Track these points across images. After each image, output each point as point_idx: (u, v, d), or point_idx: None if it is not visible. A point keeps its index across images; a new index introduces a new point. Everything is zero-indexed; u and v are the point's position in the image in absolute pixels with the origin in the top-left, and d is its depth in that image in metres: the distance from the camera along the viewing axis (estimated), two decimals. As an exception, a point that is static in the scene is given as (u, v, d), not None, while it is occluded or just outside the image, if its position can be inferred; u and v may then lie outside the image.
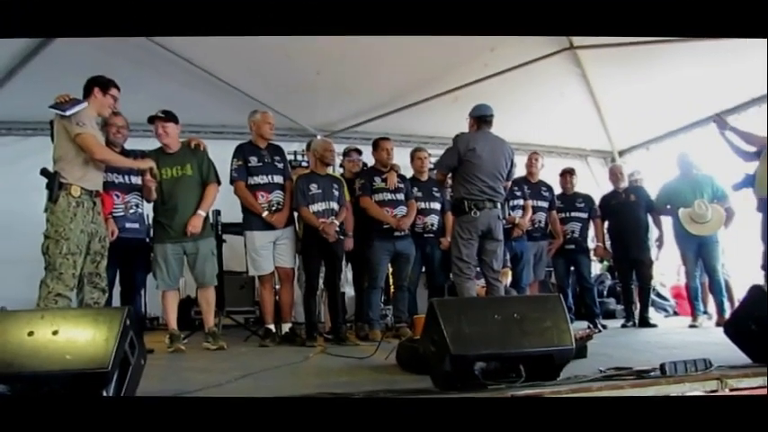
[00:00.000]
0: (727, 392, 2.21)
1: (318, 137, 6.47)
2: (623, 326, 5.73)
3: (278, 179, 4.59)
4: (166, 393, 2.24)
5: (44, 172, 3.40)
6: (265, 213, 4.46)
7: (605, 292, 7.38)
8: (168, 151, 4.24)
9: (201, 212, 4.18)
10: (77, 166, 3.41)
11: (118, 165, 3.90)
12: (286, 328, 4.64)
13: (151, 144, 5.64)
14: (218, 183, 4.36)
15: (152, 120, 4.23)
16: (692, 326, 5.40)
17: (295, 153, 6.44)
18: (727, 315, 4.94)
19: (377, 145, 5.20)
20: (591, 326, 5.15)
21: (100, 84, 3.55)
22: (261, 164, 4.54)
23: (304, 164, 5.99)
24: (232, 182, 4.53)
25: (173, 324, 4.25)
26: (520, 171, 5.70)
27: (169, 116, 4.22)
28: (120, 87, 3.65)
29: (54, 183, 3.33)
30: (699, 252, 5.52)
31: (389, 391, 2.20)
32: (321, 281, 4.89)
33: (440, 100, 6.54)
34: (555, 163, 7.17)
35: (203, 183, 4.25)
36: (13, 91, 5.48)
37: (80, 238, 3.36)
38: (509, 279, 5.59)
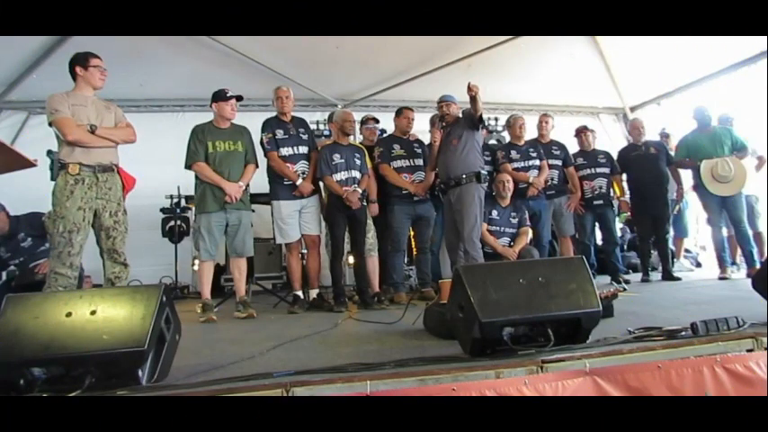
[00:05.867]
0: (763, 352, 2.17)
1: (339, 107, 6.70)
2: (643, 280, 5.72)
3: (303, 150, 4.69)
4: (201, 368, 2.29)
5: (49, 153, 3.45)
6: (300, 181, 4.57)
7: (625, 246, 7.38)
8: (222, 126, 4.38)
9: (242, 183, 4.33)
10: (69, 146, 3.46)
11: (92, 144, 3.55)
12: (314, 293, 4.74)
13: (181, 118, 6.17)
14: (257, 166, 4.52)
15: (223, 97, 4.33)
16: (722, 278, 5.36)
17: (317, 123, 6.63)
18: (758, 266, 4.89)
19: (400, 112, 5.29)
20: (615, 283, 5.17)
21: (78, 61, 3.57)
22: (287, 136, 4.65)
23: (326, 133, 6.24)
24: (266, 153, 4.64)
25: (206, 294, 4.37)
26: (531, 133, 5.76)
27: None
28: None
29: (54, 163, 3.39)
30: (722, 203, 5.43)
31: (420, 359, 2.22)
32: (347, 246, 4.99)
33: (455, 67, 6.63)
34: (569, 121, 7.51)
35: (246, 162, 4.41)
36: (49, 72, 5.59)
37: (77, 215, 3.41)
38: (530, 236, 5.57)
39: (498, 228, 5.18)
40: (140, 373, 2.00)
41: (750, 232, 5.48)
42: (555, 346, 2.18)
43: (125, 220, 3.68)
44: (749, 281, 3.03)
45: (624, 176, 6.07)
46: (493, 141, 6.69)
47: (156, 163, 5.84)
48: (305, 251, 4.98)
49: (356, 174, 4.72)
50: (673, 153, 5.97)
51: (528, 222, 5.29)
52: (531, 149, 5.61)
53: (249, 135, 4.52)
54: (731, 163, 5.30)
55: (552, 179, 5.74)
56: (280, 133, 4.62)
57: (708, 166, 5.36)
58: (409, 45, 6.11)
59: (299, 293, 4.71)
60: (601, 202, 5.85)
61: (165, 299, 2.15)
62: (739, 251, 5.76)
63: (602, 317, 2.35)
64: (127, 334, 2.00)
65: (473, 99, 4.31)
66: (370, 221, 4.97)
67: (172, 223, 6.62)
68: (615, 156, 6.12)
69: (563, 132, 6.29)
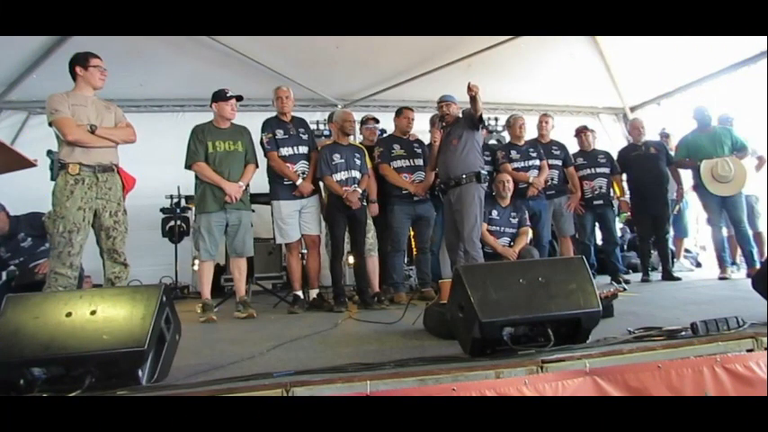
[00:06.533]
0: (763, 352, 2.17)
1: (339, 107, 6.71)
2: (643, 280, 5.72)
3: (303, 150, 4.69)
4: (201, 368, 2.29)
5: (49, 153, 3.45)
6: (300, 181, 4.57)
7: (625, 246, 7.39)
8: (222, 126, 4.38)
9: (242, 183, 4.33)
10: (69, 146, 3.46)
11: (92, 144, 3.53)
12: (314, 293, 4.74)
13: (181, 118, 6.28)
14: (257, 166, 4.51)
15: (223, 97, 4.32)
16: (722, 278, 5.36)
17: (317, 123, 6.65)
18: (758, 266, 4.89)
19: (400, 112, 5.30)
20: (615, 283, 5.17)
21: (78, 61, 3.57)
22: (287, 136, 4.65)
23: (326, 133, 6.25)
24: (266, 153, 4.64)
25: (206, 294, 4.37)
26: (531, 133, 5.75)
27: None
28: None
29: (54, 163, 3.39)
30: (722, 203, 5.43)
31: (420, 359, 2.21)
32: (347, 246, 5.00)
33: (455, 67, 6.64)
34: (569, 121, 7.54)
35: (246, 162, 4.42)
36: (49, 72, 5.59)
37: (77, 215, 3.42)
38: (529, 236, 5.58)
39: (498, 228, 5.18)
40: (140, 373, 1.99)
41: (750, 232, 5.47)
42: (555, 346, 2.18)
43: (125, 220, 3.67)
44: (749, 281, 3.03)
45: (624, 176, 6.07)
46: (493, 141, 6.70)
47: (156, 163, 5.85)
48: (305, 251, 4.98)
49: (356, 174, 4.73)
50: (673, 153, 5.97)
51: (528, 222, 5.29)
52: (531, 149, 5.61)
53: (249, 135, 4.52)
54: (731, 163, 5.31)
55: (552, 179, 5.74)
56: (280, 133, 4.62)
57: (708, 166, 5.37)
58: (409, 45, 6.11)
59: (299, 293, 4.70)
60: (601, 202, 5.85)
61: (165, 299, 2.14)
62: (739, 251, 5.76)
63: (602, 317, 2.35)
64: (127, 334, 1.99)
65: (473, 99, 4.31)
66: (370, 221, 4.98)
67: (172, 223, 6.62)
68: (615, 156, 6.12)
69: (563, 132, 6.30)
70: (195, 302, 4.65)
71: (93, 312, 2.03)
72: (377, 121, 5.75)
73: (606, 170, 5.91)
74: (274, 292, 5.64)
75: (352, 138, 5.05)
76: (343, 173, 4.66)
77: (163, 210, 6.63)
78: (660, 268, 5.91)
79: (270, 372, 2.07)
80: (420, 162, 5.15)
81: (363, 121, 5.74)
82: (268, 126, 4.66)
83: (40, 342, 1.96)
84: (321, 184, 4.81)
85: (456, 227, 4.58)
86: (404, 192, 5.02)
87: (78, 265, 3.51)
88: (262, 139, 4.63)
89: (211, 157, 4.30)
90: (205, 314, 4.17)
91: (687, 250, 7.25)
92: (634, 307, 3.58)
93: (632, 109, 8.34)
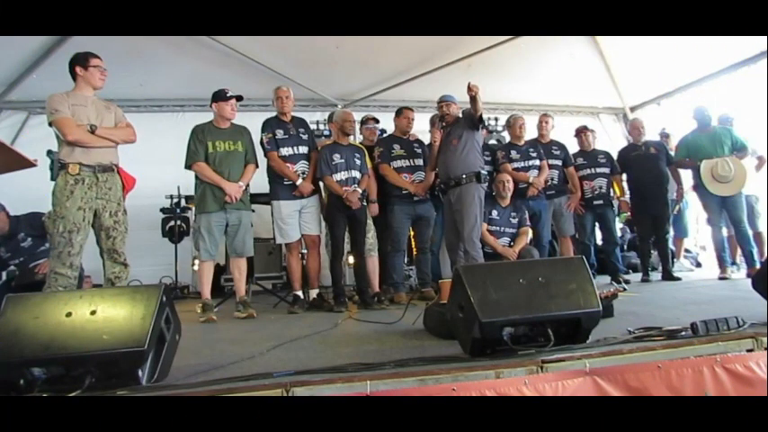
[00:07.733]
0: (763, 352, 2.17)
1: (339, 107, 6.72)
2: (643, 280, 5.72)
3: (303, 150, 4.69)
4: (201, 368, 2.29)
5: (49, 153, 3.45)
6: (300, 181, 4.57)
7: (625, 246, 7.39)
8: (222, 126, 4.39)
9: (242, 183, 4.33)
10: (69, 146, 3.46)
11: (92, 144, 3.53)
12: (314, 293, 4.74)
13: (181, 118, 6.27)
14: (257, 166, 4.51)
15: (223, 97, 4.32)
16: (722, 278, 5.36)
17: (317, 123, 6.66)
18: (758, 266, 4.89)
19: (400, 112, 5.30)
20: (615, 283, 5.17)
21: (78, 61, 3.57)
22: (287, 136, 4.65)
23: (326, 133, 6.26)
24: (266, 153, 4.64)
25: (206, 294, 4.37)
26: (531, 133, 5.75)
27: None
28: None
29: (54, 163, 3.39)
30: (722, 203, 5.43)
31: (420, 359, 2.21)
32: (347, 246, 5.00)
33: (455, 67, 6.65)
34: (569, 121, 7.55)
35: (246, 162, 4.42)
36: (49, 72, 5.58)
37: (77, 215, 3.42)
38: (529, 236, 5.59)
39: (498, 228, 5.18)
40: (140, 373, 1.99)
41: (750, 232, 5.47)
42: (555, 346, 2.18)
43: (125, 220, 3.67)
44: (749, 281, 3.03)
45: (624, 176, 6.08)
46: (493, 141, 6.70)
47: (156, 163, 5.86)
48: (305, 251, 4.98)
49: (356, 174, 4.73)
50: (673, 153, 5.97)
51: (528, 222, 5.29)
52: (531, 149, 5.61)
53: (249, 135, 4.52)
54: (731, 163, 5.31)
55: (552, 179, 5.74)
56: (280, 133, 4.63)
57: (708, 166, 5.37)
58: (409, 45, 6.12)
59: (299, 293, 4.70)
60: (601, 202, 5.85)
61: (165, 299, 2.14)
62: (739, 251, 5.76)
63: (602, 317, 2.35)
64: (127, 334, 1.99)
65: (473, 99, 4.31)
66: (370, 221, 4.98)
67: (172, 223, 6.63)
68: (615, 156, 6.12)
69: (563, 132, 6.30)
70: (195, 302, 4.65)
71: (93, 312, 2.03)
72: (377, 121, 5.76)
73: (606, 170, 5.91)
74: (274, 292, 5.64)
75: (352, 138, 5.05)
76: (343, 173, 4.66)
77: (163, 210, 6.64)
78: (660, 268, 5.91)
79: (270, 372, 2.07)
80: (420, 162, 5.16)
81: (363, 121, 5.75)
82: (268, 126, 4.66)
83: (40, 342, 1.96)
84: (321, 184, 4.81)
85: (456, 227, 4.58)
86: (404, 192, 5.02)
87: (78, 265, 3.52)
88: (262, 139, 4.63)
89: (211, 157, 4.30)
90: (205, 314, 4.17)
91: (687, 250, 7.25)
92: (634, 307, 3.58)
93: (632, 109, 8.35)
